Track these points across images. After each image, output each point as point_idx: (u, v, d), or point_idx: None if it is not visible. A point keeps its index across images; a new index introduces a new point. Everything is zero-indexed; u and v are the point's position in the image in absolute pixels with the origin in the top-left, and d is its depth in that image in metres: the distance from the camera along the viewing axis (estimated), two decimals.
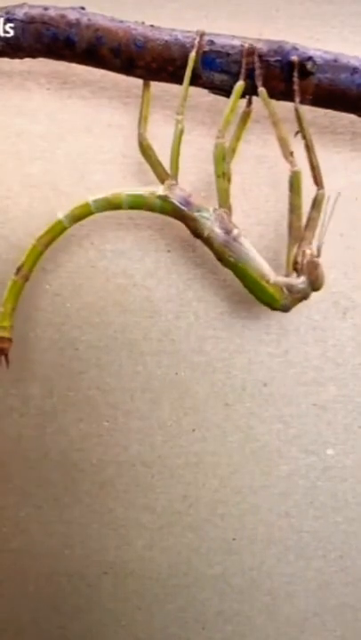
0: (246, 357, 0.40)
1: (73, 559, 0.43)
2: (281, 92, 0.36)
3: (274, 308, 0.38)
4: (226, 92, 0.37)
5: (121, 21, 0.37)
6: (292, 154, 0.36)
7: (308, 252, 0.37)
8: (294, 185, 0.37)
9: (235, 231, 0.38)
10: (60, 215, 0.38)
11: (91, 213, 0.38)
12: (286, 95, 0.36)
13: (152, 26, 0.37)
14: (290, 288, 0.38)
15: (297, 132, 0.37)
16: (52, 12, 0.37)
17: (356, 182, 0.40)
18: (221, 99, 0.38)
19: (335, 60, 0.36)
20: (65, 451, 0.42)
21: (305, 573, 0.42)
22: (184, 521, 0.42)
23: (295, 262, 0.38)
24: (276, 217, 0.41)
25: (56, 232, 0.38)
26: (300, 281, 0.37)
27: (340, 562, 0.42)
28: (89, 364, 0.42)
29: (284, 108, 0.39)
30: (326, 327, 0.41)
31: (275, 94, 0.36)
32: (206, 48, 0.36)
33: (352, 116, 0.38)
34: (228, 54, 0.36)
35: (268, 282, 0.37)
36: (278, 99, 0.37)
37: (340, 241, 0.40)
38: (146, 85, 0.38)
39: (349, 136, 0.40)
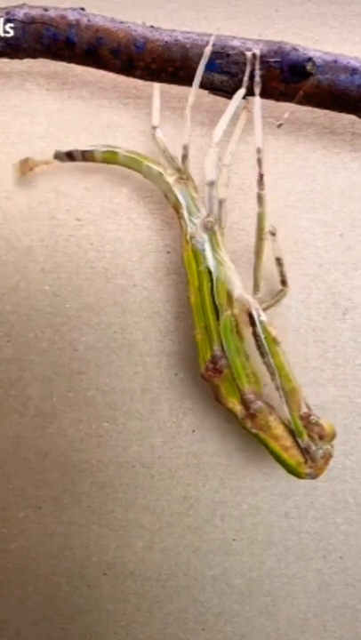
0: None
1: (72, 560, 0.43)
2: (280, 92, 0.36)
3: (302, 478, 0.38)
4: (226, 92, 0.37)
5: (121, 22, 0.37)
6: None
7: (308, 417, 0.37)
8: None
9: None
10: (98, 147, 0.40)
11: (116, 162, 0.40)
12: (286, 96, 0.36)
13: (152, 27, 0.37)
14: (311, 457, 0.38)
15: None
16: (52, 13, 0.37)
17: (355, 183, 0.40)
18: (221, 99, 0.38)
19: (335, 61, 0.36)
20: (64, 451, 0.42)
21: (305, 574, 0.42)
22: (184, 522, 0.42)
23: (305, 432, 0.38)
24: (275, 217, 0.40)
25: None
26: (314, 449, 0.38)
27: (341, 563, 0.42)
28: (88, 365, 0.42)
29: (284, 109, 0.39)
30: (326, 328, 0.41)
31: (274, 95, 0.37)
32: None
33: (352, 117, 0.38)
34: (228, 55, 0.36)
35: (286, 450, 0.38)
36: (278, 99, 0.37)
37: (340, 241, 0.40)
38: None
39: (349, 137, 0.40)
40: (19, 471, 0.43)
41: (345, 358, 0.41)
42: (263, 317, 0.37)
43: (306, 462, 0.38)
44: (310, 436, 0.37)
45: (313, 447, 0.37)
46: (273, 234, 0.37)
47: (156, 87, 0.38)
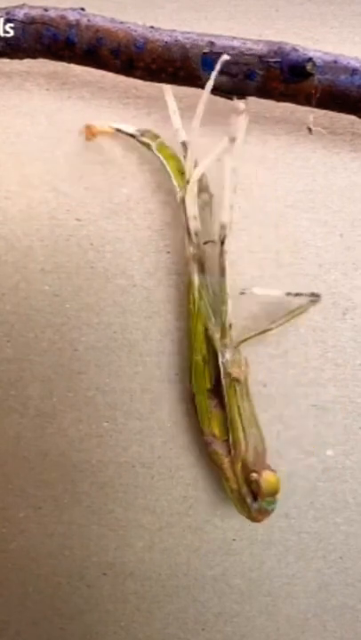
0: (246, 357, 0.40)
1: (72, 560, 0.43)
2: (281, 93, 0.36)
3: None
4: (226, 93, 0.37)
5: (121, 22, 0.37)
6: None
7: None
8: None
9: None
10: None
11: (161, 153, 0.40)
12: (285, 96, 0.36)
13: (152, 27, 0.37)
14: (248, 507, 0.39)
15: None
16: (52, 13, 0.37)
17: (355, 183, 0.40)
18: (220, 100, 0.38)
19: (335, 62, 0.36)
20: (64, 451, 0.42)
21: (305, 574, 0.42)
22: (184, 522, 0.42)
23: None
24: (275, 218, 0.40)
25: None
26: (249, 501, 0.39)
27: (341, 563, 0.42)
28: (88, 365, 0.42)
29: (281, 108, 0.39)
30: (326, 328, 0.41)
31: (274, 95, 0.36)
32: (206, 49, 0.36)
33: (352, 117, 0.38)
34: (228, 55, 0.36)
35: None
36: (278, 100, 0.37)
37: (340, 242, 0.40)
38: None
39: (349, 137, 0.40)
40: (19, 471, 0.43)
41: (345, 358, 0.41)
42: (228, 356, 0.38)
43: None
44: (250, 490, 0.38)
45: (248, 500, 0.38)
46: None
47: (167, 89, 0.38)
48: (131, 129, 0.40)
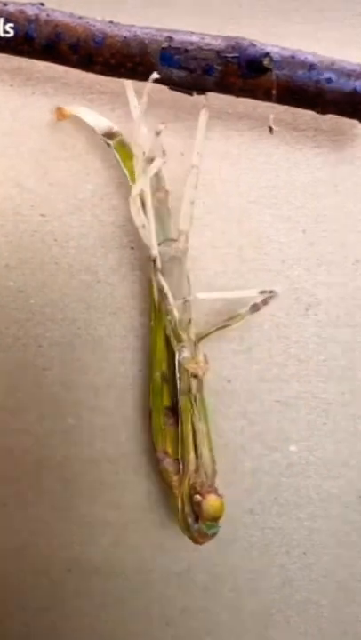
0: (209, 354, 0.40)
1: (37, 556, 0.43)
2: (239, 88, 0.36)
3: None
4: (184, 88, 0.37)
5: (80, 17, 0.37)
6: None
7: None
8: None
9: None
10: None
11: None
12: (244, 91, 0.36)
13: (111, 22, 0.37)
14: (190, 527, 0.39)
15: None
16: (10, 8, 0.37)
17: (318, 178, 0.40)
18: (184, 95, 0.38)
19: (292, 57, 0.36)
20: (29, 448, 0.42)
21: (269, 570, 0.42)
22: (149, 518, 0.42)
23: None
24: (238, 213, 0.41)
25: None
26: (190, 521, 0.39)
27: (304, 558, 0.42)
28: (53, 361, 0.42)
29: (244, 104, 0.39)
30: (289, 324, 0.41)
31: (233, 91, 0.37)
32: (165, 44, 0.36)
33: (314, 113, 0.38)
34: (187, 50, 0.36)
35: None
36: (238, 95, 0.37)
37: (303, 237, 0.40)
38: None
39: (312, 132, 0.40)
40: None
41: (308, 354, 0.41)
42: (185, 353, 0.38)
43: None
44: (192, 510, 0.38)
45: (190, 520, 0.39)
46: None
47: (128, 85, 0.38)
48: (99, 120, 0.40)
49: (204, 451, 0.39)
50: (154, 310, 0.40)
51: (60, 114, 0.40)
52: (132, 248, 0.41)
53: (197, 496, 0.38)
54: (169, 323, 0.38)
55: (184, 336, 0.38)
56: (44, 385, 0.42)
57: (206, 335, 0.38)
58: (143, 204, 0.38)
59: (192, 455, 0.38)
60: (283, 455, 0.41)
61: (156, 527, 0.42)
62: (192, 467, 0.38)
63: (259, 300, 0.39)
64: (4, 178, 0.42)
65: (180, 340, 0.38)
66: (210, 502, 0.37)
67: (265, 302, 0.39)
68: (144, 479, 0.42)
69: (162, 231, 0.38)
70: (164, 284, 0.38)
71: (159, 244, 0.38)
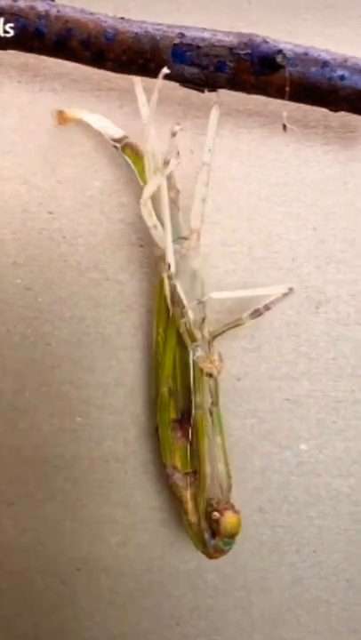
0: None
1: (46, 556, 0.43)
2: (252, 85, 0.36)
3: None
4: (197, 85, 0.36)
5: (91, 13, 0.37)
6: None
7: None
8: None
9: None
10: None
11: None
12: (257, 88, 0.36)
13: (122, 18, 0.37)
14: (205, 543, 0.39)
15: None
16: (21, 4, 0.36)
17: (328, 176, 0.40)
18: (193, 92, 0.37)
19: (306, 54, 0.35)
20: (37, 446, 0.42)
21: (279, 568, 0.42)
22: (158, 516, 0.42)
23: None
24: (248, 211, 0.40)
25: None
26: (207, 537, 0.39)
27: (314, 556, 0.42)
28: (61, 359, 0.42)
29: (254, 101, 0.39)
30: (299, 322, 0.41)
31: (245, 88, 0.36)
32: (176, 41, 0.36)
33: (324, 110, 0.38)
34: (199, 47, 0.36)
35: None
36: (250, 92, 0.37)
37: (313, 235, 0.40)
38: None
39: (322, 130, 0.40)
40: None
41: (318, 352, 0.41)
42: (199, 352, 0.38)
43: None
44: (209, 526, 0.38)
45: (206, 535, 0.38)
46: None
47: (137, 82, 0.38)
48: (103, 122, 0.40)
49: (220, 465, 0.38)
50: (160, 318, 0.39)
51: (62, 118, 0.40)
52: (141, 246, 0.41)
53: (215, 513, 0.37)
54: (183, 324, 0.38)
55: (198, 335, 0.38)
56: (53, 383, 0.42)
57: (221, 333, 0.38)
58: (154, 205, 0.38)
59: (208, 469, 0.38)
60: (293, 453, 0.41)
61: (165, 526, 0.42)
62: (208, 481, 0.38)
63: (274, 297, 0.38)
64: (11, 175, 0.41)
65: (194, 339, 0.38)
66: (228, 519, 0.37)
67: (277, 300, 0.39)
68: (153, 478, 0.42)
69: (173, 229, 0.38)
70: (179, 289, 0.38)
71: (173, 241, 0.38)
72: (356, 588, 0.41)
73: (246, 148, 0.40)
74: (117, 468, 0.42)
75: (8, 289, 0.41)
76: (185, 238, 0.39)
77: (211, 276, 0.40)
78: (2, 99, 0.41)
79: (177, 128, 0.35)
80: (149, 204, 0.37)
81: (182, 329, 0.38)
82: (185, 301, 0.37)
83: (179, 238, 0.39)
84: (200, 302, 0.38)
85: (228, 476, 0.39)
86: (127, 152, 0.39)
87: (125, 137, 0.39)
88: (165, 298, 0.38)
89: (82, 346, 0.42)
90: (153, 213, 0.37)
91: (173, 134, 0.35)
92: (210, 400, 0.38)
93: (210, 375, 0.38)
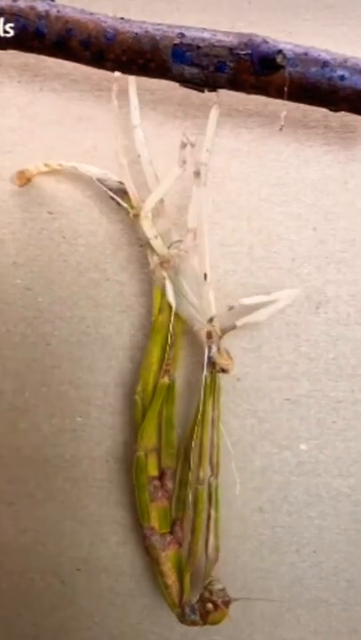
0: None
1: (46, 556, 0.43)
2: (252, 85, 0.36)
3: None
4: (196, 84, 0.36)
5: (91, 13, 0.37)
6: None
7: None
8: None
9: None
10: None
11: None
12: (257, 88, 0.36)
13: (122, 18, 0.37)
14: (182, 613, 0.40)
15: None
16: (21, 4, 0.36)
17: (328, 176, 0.40)
18: (193, 92, 0.37)
19: (305, 54, 0.35)
20: (37, 446, 0.42)
21: (279, 568, 0.42)
22: None
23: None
24: (248, 211, 0.40)
25: None
26: (188, 611, 0.39)
27: (314, 556, 0.42)
28: (61, 359, 0.42)
29: (254, 101, 0.39)
30: (299, 322, 0.41)
31: (245, 88, 0.36)
32: (176, 41, 0.36)
33: (324, 110, 0.38)
34: (199, 47, 0.36)
35: None
36: (250, 92, 0.37)
37: (313, 235, 0.40)
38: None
39: (322, 130, 0.40)
40: None
41: (318, 352, 0.41)
42: (214, 349, 0.38)
43: (179, 606, 0.39)
44: (199, 608, 0.39)
45: (188, 609, 0.39)
46: None
47: (132, 82, 0.38)
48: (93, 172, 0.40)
49: (212, 539, 0.39)
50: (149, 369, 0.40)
51: (24, 177, 0.40)
52: (141, 246, 0.41)
53: (210, 605, 0.38)
54: (192, 327, 0.38)
55: (213, 333, 0.38)
56: (53, 383, 0.42)
57: (231, 330, 0.38)
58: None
59: (201, 544, 0.39)
60: (293, 453, 0.41)
61: None
62: (199, 554, 0.39)
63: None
64: (11, 174, 0.41)
65: (209, 336, 0.38)
66: (218, 615, 0.38)
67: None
68: None
69: (166, 237, 0.38)
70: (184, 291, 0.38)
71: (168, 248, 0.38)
72: (357, 588, 0.41)
73: (246, 148, 0.40)
74: (117, 468, 0.42)
75: (8, 289, 0.41)
76: (180, 241, 0.38)
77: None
78: (2, 99, 0.41)
79: (186, 140, 0.36)
80: (150, 215, 0.38)
81: (196, 328, 0.38)
82: (195, 315, 0.38)
83: (174, 243, 0.39)
84: (231, 308, 0.38)
85: (217, 550, 0.39)
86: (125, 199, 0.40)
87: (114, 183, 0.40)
88: (162, 324, 0.39)
89: (82, 346, 0.42)
90: (153, 226, 0.38)
91: (183, 146, 0.36)
92: (210, 473, 0.39)
93: (224, 371, 0.38)
